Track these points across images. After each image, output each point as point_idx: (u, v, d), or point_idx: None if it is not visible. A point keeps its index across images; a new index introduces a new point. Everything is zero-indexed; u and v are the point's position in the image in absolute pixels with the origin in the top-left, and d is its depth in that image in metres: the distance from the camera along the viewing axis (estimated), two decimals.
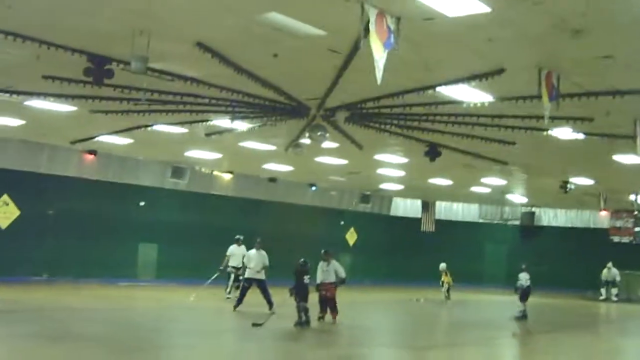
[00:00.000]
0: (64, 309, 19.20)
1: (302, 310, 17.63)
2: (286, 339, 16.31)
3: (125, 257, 29.59)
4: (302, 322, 17.53)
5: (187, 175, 30.98)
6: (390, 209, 42.46)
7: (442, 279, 30.08)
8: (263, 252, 20.13)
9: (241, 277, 20.88)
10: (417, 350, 15.88)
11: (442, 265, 30.22)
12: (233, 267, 22.77)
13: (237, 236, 23.27)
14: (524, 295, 22.53)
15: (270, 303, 19.64)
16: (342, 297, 19.26)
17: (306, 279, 17.93)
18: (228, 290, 23.14)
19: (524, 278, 22.77)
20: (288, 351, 14.74)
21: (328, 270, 18.97)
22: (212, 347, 14.74)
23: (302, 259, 18.45)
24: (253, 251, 20.27)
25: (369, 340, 17.30)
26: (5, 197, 25.95)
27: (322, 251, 19.34)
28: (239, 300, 19.94)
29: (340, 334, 17.69)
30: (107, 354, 12.57)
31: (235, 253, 22.66)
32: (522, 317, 22.23)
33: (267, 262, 19.94)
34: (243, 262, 20.63)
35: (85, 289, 25.30)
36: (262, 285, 19.94)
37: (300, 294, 17.73)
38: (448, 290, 29.83)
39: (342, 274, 19.12)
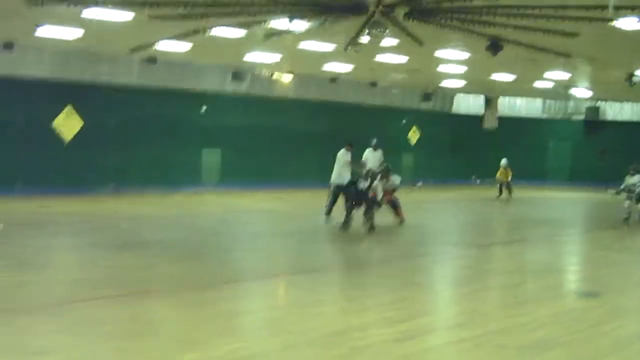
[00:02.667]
0: (131, 217, 19.53)
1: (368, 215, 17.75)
2: (351, 240, 16.46)
3: (189, 164, 29.92)
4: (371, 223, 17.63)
5: (248, 78, 30.97)
6: (452, 107, 42.02)
7: (500, 176, 29.94)
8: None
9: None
10: (484, 248, 15.93)
11: (504, 161, 29.95)
12: None
13: (373, 140, 21.09)
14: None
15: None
16: (405, 196, 19.29)
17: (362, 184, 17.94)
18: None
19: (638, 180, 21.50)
20: (352, 250, 14.86)
21: (387, 185, 18.90)
22: (276, 249, 15.02)
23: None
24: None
25: (435, 238, 17.40)
26: (68, 108, 26.26)
27: (380, 170, 18.80)
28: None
29: (406, 233, 17.76)
30: (175, 260, 12.80)
31: (371, 158, 20.41)
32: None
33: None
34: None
35: (151, 196, 25.80)
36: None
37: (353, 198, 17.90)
38: (507, 188, 29.81)
39: (397, 182, 19.19)
